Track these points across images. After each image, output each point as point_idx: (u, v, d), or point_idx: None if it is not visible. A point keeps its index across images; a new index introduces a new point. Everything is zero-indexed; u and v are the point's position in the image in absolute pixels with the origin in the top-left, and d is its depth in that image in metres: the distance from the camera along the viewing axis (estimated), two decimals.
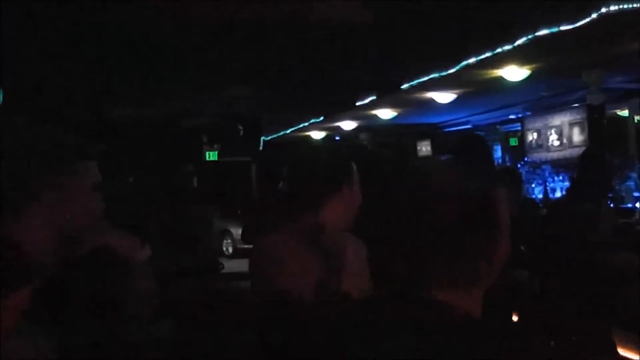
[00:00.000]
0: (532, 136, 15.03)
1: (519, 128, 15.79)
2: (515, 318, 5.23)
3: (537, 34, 7.59)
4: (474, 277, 1.39)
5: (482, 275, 1.40)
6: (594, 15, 7.00)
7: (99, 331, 1.84)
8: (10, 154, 1.79)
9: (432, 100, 12.78)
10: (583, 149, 12.80)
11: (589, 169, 5.11)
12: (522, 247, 6.54)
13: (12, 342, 1.59)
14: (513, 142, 16.40)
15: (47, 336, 1.70)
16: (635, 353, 4.24)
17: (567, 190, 8.99)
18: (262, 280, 2.57)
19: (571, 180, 12.60)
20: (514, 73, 10.11)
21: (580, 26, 7.26)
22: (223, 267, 5.89)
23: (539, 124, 14.79)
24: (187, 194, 5.52)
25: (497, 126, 16.53)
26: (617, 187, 10.23)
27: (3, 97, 7.54)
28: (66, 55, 9.31)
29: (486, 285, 1.42)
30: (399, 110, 14.48)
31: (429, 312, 1.34)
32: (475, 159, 4.95)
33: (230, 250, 17.42)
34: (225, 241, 17.51)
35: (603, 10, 6.86)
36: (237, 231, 16.21)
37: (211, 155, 16.79)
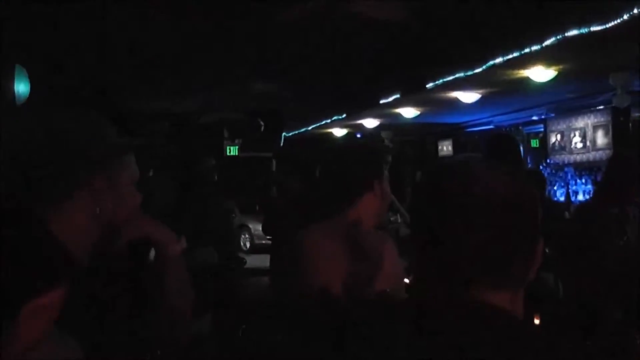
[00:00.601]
0: (555, 138, 14.92)
1: (541, 129, 15.66)
2: (537, 321, 5.19)
3: (566, 34, 7.50)
4: (523, 277, 1.37)
5: (529, 275, 1.37)
6: (626, 17, 6.93)
7: (140, 325, 1.83)
8: (60, 146, 1.79)
9: (455, 100, 12.72)
10: (607, 152, 12.77)
11: (617, 173, 5.04)
12: (547, 250, 6.51)
13: (49, 342, 1.58)
14: (534, 143, 16.28)
15: (82, 333, 1.68)
16: None
17: (593, 193, 8.95)
18: (300, 273, 2.55)
19: (594, 183, 12.57)
20: (540, 74, 10.04)
21: (610, 27, 7.17)
22: (246, 262, 5.89)
23: (562, 125, 14.68)
24: (210, 188, 5.50)
25: (520, 127, 16.44)
26: None
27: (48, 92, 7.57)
28: (92, 50, 9.35)
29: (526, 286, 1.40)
30: (422, 109, 14.43)
31: (483, 315, 1.30)
32: (506, 159, 4.91)
33: (248, 245, 17.50)
34: (243, 236, 17.59)
35: (635, 11, 6.78)
36: (255, 226, 16.33)
37: (232, 150, 16.81)
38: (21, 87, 6.44)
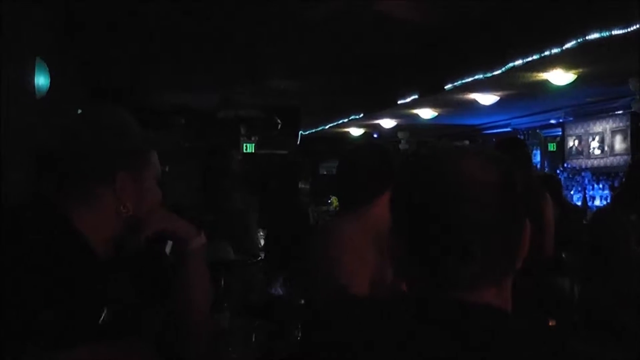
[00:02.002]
0: (572, 142, 14.84)
1: (559, 133, 15.58)
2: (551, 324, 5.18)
3: (587, 37, 7.46)
4: (511, 267, 1.34)
5: (516, 265, 1.35)
6: None
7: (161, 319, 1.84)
8: (86, 142, 1.81)
9: (473, 102, 12.67)
10: (625, 157, 12.70)
11: (636, 179, 5.02)
12: (564, 255, 6.49)
13: None
14: (551, 147, 16.19)
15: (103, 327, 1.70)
16: None
17: (611, 199, 8.90)
18: (327, 265, 2.58)
19: (611, 188, 12.50)
20: (560, 77, 9.98)
21: (631, 31, 7.13)
22: (262, 258, 5.88)
23: (580, 129, 14.59)
24: (231, 182, 5.48)
25: (538, 130, 16.37)
26: None
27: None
28: (113, 46, 9.39)
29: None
30: (439, 110, 14.38)
31: (470, 313, 1.28)
32: (514, 162, 4.89)
33: (262, 242, 17.47)
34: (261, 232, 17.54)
35: None
36: None
37: (248, 147, 16.80)
38: (41, 81, 6.46)
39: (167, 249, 1.92)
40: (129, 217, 1.84)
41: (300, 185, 8.00)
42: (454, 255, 1.28)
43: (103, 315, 1.68)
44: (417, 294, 1.34)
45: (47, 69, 6.60)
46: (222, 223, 5.00)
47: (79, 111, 1.94)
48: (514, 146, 5.43)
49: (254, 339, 3.08)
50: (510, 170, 1.35)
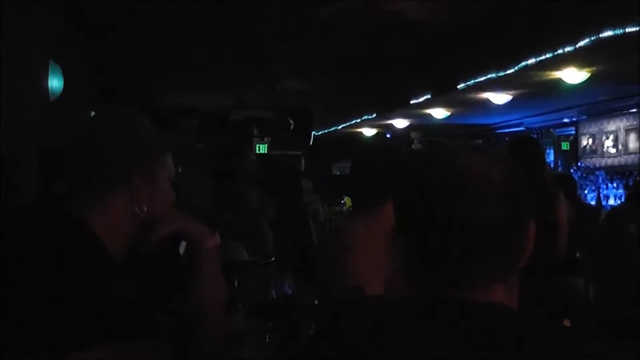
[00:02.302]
0: (586, 141, 14.79)
1: (572, 132, 15.52)
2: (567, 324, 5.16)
3: (600, 35, 7.43)
4: (515, 266, 1.33)
5: (520, 263, 1.33)
6: None
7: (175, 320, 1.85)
8: (101, 144, 1.82)
9: (486, 101, 12.65)
10: (639, 156, 12.64)
11: None
12: (578, 254, 6.46)
13: None
14: (565, 146, 16.12)
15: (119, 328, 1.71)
16: None
17: (625, 198, 8.86)
18: (340, 267, 2.59)
19: (626, 187, 12.45)
20: (573, 75, 9.95)
21: None
22: (275, 259, 5.88)
23: (594, 128, 14.53)
24: (246, 183, 5.50)
25: (551, 129, 16.31)
26: None
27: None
28: (126, 48, 9.42)
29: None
30: (452, 110, 14.37)
31: (475, 312, 1.27)
32: (528, 163, 4.88)
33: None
34: None
35: None
36: None
37: (261, 148, 16.83)
38: (55, 83, 6.50)
39: (181, 250, 1.92)
40: (144, 218, 1.85)
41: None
42: (455, 254, 1.27)
43: (118, 315, 1.69)
44: (419, 294, 1.33)
45: (61, 71, 6.64)
46: (238, 223, 5.01)
47: (93, 113, 1.95)
48: (527, 145, 5.41)
49: (267, 340, 3.08)
50: (514, 169, 1.33)
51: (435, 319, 1.27)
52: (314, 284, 3.14)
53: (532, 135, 15.48)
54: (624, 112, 13.39)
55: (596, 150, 14.40)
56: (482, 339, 1.21)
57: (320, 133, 18.47)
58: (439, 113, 14.69)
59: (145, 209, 1.84)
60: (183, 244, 1.93)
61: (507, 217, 1.28)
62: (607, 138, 14.04)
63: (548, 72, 9.82)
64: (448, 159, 1.33)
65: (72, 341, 1.58)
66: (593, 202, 12.95)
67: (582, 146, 14.90)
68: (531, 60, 8.73)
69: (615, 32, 7.28)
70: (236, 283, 3.52)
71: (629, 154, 13.32)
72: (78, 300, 1.63)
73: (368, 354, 1.28)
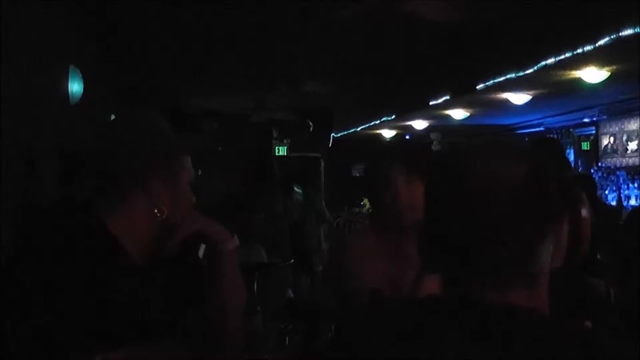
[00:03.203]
0: (606, 141, 14.68)
1: (593, 132, 15.41)
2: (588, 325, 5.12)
3: (620, 34, 7.36)
4: (543, 268, 1.29)
5: (550, 265, 1.31)
6: None
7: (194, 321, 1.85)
8: (120, 147, 1.83)
9: (505, 102, 12.58)
10: None
11: None
12: (599, 256, 6.40)
13: None
14: (585, 146, 16.02)
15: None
16: None
17: None
18: (357, 269, 2.60)
19: None
20: (593, 75, 9.87)
21: None
22: (293, 262, 5.90)
23: (614, 128, 14.43)
24: (270, 185, 5.52)
25: (571, 129, 16.21)
26: None
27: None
28: (146, 51, 9.46)
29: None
30: (471, 110, 14.31)
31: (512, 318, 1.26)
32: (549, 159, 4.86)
33: None
34: None
35: None
36: None
37: (281, 150, 16.86)
38: (75, 87, 6.54)
39: (201, 252, 1.93)
40: (164, 220, 1.85)
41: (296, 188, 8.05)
42: (478, 253, 1.26)
43: (135, 317, 1.70)
44: (441, 295, 1.32)
45: (81, 75, 6.68)
46: (264, 225, 5.03)
47: (112, 116, 1.97)
48: (548, 146, 5.37)
49: (287, 342, 3.09)
50: (541, 166, 1.31)
51: (457, 320, 1.25)
52: (320, 286, 3.16)
53: (552, 135, 15.40)
54: None
55: (617, 150, 14.30)
56: (501, 341, 1.19)
57: (339, 135, 18.46)
58: (459, 114, 14.64)
59: (165, 211, 1.85)
60: (202, 247, 1.94)
61: (533, 215, 1.26)
62: (629, 137, 13.93)
63: (568, 72, 9.75)
64: (473, 155, 1.31)
65: (93, 343, 1.59)
66: (614, 203, 12.86)
67: (602, 146, 14.80)
68: (551, 60, 8.66)
69: (636, 30, 7.21)
70: (255, 285, 3.53)
71: None
72: (97, 301, 1.64)
73: (391, 354, 1.28)
